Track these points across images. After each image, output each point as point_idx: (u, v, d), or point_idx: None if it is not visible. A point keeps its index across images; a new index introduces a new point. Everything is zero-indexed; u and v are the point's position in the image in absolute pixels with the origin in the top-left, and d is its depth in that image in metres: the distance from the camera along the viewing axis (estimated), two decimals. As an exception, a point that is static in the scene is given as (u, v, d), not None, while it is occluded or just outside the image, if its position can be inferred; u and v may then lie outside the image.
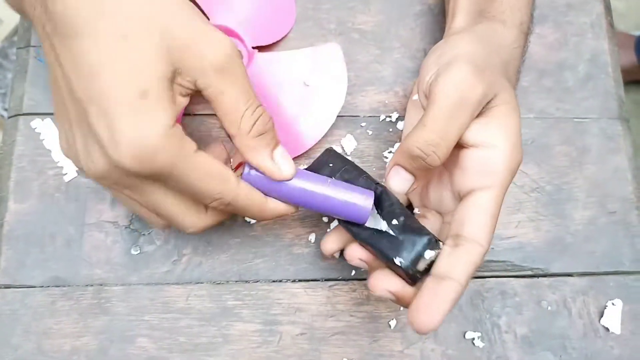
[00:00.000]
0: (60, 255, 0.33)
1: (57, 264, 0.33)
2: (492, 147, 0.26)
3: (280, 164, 0.27)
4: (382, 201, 0.28)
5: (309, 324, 0.33)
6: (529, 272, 0.35)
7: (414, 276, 0.26)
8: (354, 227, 0.28)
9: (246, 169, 0.28)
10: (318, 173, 0.29)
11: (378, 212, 0.28)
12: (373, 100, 0.37)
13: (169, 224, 0.28)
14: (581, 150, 0.38)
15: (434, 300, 0.25)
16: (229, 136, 0.26)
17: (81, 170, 0.26)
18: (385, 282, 0.27)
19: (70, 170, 0.35)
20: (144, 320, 0.33)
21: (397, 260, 0.26)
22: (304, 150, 0.35)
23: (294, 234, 0.35)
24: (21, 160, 0.35)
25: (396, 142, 0.37)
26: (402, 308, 0.34)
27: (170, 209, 0.26)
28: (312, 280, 0.34)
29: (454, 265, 0.25)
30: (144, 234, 0.34)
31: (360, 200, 0.27)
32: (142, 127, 0.22)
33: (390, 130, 0.37)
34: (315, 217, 0.35)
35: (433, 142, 0.26)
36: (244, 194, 0.26)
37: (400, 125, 0.37)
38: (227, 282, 0.34)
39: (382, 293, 0.27)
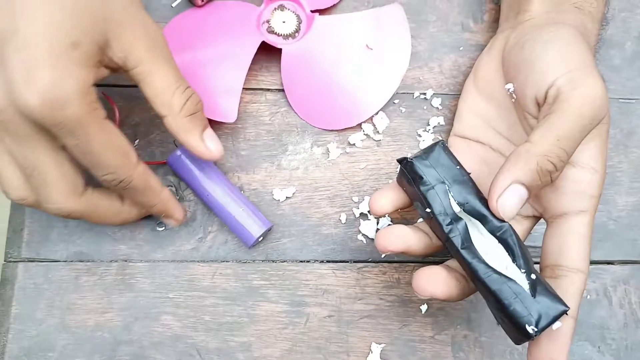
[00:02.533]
0: (84, 230, 0.32)
1: (81, 239, 0.32)
2: (592, 170, 0.26)
3: (209, 145, 0.27)
4: (512, 246, 0.24)
5: (337, 306, 0.32)
6: (568, 259, 0.34)
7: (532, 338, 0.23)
8: (481, 263, 0.24)
9: (177, 152, 0.31)
10: (433, 168, 0.25)
11: (510, 258, 0.24)
12: (407, 76, 0.36)
13: (31, 193, 0.25)
14: (626, 132, 0.36)
15: (555, 345, 0.24)
16: (161, 119, 0.26)
17: None
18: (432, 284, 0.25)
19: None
20: (168, 298, 0.32)
21: (530, 329, 0.22)
22: (366, 119, 0.34)
23: (322, 213, 0.33)
24: (44, 132, 0.34)
25: (430, 119, 0.35)
26: (433, 293, 0.33)
27: (48, 171, 0.24)
28: (340, 261, 0.33)
29: (565, 299, 0.24)
30: (168, 210, 0.33)
31: (253, 227, 0.31)
32: (63, 75, 0.22)
33: (425, 107, 0.35)
34: (345, 196, 0.34)
35: (562, 157, 0.24)
36: (140, 175, 0.26)
37: (435, 102, 0.35)
38: (254, 261, 0.33)
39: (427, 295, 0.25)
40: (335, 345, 0.32)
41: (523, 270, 0.24)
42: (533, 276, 0.24)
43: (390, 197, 0.27)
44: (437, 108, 0.35)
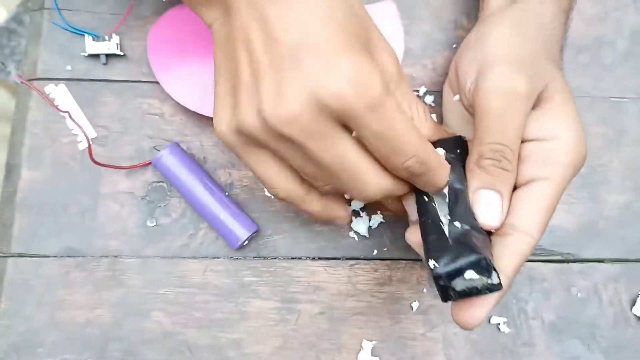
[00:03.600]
0: (74, 225, 0.32)
1: (71, 234, 0.32)
2: (553, 138, 0.25)
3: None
4: (460, 199, 0.25)
5: (329, 303, 0.32)
6: (559, 257, 0.34)
7: (445, 290, 0.22)
8: (423, 201, 0.25)
9: (159, 154, 0.31)
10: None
11: (449, 206, 0.25)
12: (400, 73, 0.36)
13: (340, 189, 0.25)
14: (618, 131, 0.36)
15: (476, 300, 0.23)
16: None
17: (247, 121, 0.23)
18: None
19: (84, 139, 0.33)
20: (159, 294, 0.32)
21: (431, 263, 0.22)
22: None
23: (314, 210, 0.33)
24: (35, 127, 0.33)
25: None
26: (425, 290, 0.33)
27: (355, 162, 0.23)
28: (332, 258, 0.33)
29: (500, 255, 0.23)
30: (160, 206, 0.33)
31: (239, 230, 0.31)
32: (361, 59, 0.22)
33: (418, 105, 0.35)
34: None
35: (497, 149, 0.24)
36: (434, 153, 0.24)
37: (428, 99, 0.35)
38: (245, 258, 0.33)
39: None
40: (327, 342, 0.32)
41: (452, 217, 0.24)
42: (457, 224, 0.23)
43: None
44: (430, 105, 0.35)
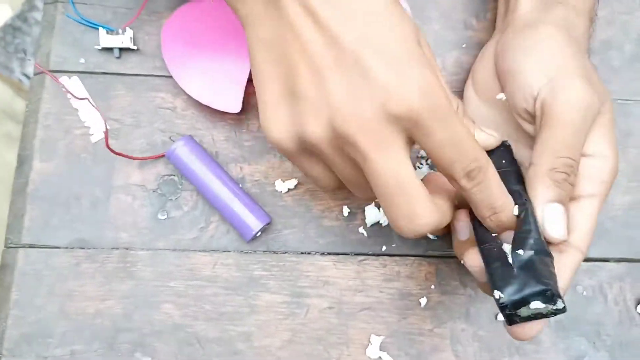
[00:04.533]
0: (85, 217, 0.32)
1: (82, 226, 0.32)
2: (603, 157, 0.26)
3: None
4: (523, 223, 0.25)
5: (338, 298, 0.33)
6: (565, 256, 0.34)
7: (510, 317, 0.23)
8: (481, 230, 0.26)
9: (173, 146, 0.31)
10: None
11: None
12: (410, 71, 0.36)
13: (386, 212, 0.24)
14: (625, 133, 0.37)
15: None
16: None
17: (310, 130, 0.23)
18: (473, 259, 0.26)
19: (97, 131, 0.34)
20: (169, 287, 0.32)
21: (496, 294, 0.23)
22: None
23: (324, 205, 0.34)
24: (47, 119, 0.34)
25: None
26: (433, 286, 0.33)
27: (409, 183, 0.22)
28: (341, 253, 0.33)
29: (557, 272, 0.24)
30: (171, 199, 0.33)
31: (252, 221, 0.31)
32: (425, 67, 0.22)
33: (427, 103, 0.36)
34: (348, 189, 0.34)
35: (570, 163, 0.25)
36: (492, 166, 0.24)
37: (438, 98, 0.35)
38: (255, 251, 0.33)
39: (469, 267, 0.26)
40: (335, 337, 0.32)
41: (514, 244, 0.24)
42: (520, 252, 0.24)
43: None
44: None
